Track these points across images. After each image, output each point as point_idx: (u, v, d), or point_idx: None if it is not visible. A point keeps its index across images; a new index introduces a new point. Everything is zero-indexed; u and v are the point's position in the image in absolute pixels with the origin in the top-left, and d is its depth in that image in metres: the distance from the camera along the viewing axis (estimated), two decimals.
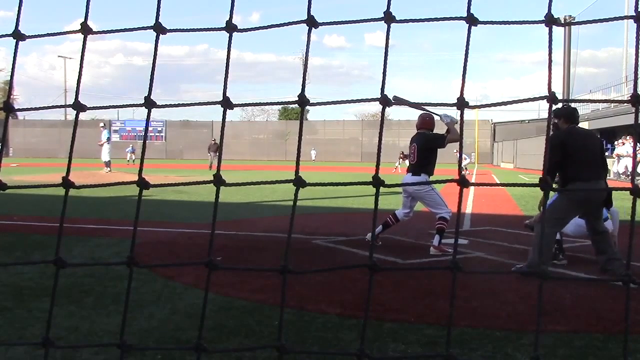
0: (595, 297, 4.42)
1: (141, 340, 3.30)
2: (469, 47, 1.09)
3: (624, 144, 24.57)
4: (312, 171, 28.56)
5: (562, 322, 3.77)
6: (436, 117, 6.56)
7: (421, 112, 6.65)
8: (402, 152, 29.64)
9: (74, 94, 1.21)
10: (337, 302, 4.13)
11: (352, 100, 1.18)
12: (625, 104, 1.10)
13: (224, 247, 6.29)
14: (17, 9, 1.20)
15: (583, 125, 30.00)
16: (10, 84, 1.40)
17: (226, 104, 1.17)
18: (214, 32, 1.20)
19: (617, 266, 5.01)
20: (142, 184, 1.20)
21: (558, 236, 5.67)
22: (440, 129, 6.19)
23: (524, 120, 52.45)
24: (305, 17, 1.14)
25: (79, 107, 1.21)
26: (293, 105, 1.62)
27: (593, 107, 31.77)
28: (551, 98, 1.06)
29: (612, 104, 30.13)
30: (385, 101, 1.11)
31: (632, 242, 1.09)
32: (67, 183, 1.19)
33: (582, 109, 32.56)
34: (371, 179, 1.12)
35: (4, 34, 1.23)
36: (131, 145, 43.00)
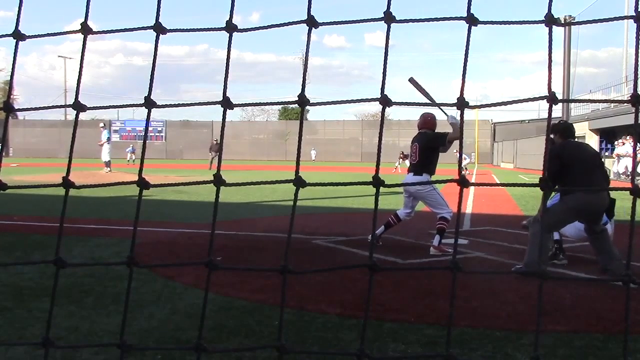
0: (595, 297, 4.42)
1: (141, 340, 3.30)
2: (469, 47, 1.09)
3: (624, 144, 24.56)
4: (312, 171, 28.55)
5: (562, 322, 3.77)
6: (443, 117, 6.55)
7: (423, 111, 6.67)
8: (402, 152, 29.63)
9: (74, 94, 1.21)
10: (337, 302, 4.13)
11: (352, 100, 1.18)
12: (625, 104, 1.10)
13: (224, 247, 6.29)
14: (17, 9, 1.20)
15: (583, 125, 30.13)
16: (10, 84, 1.40)
17: (226, 104, 1.17)
18: (214, 32, 1.20)
19: (617, 266, 5.03)
20: (142, 184, 1.20)
21: (558, 236, 5.68)
22: (440, 129, 6.20)
23: (524, 120, 52.43)
24: (305, 17, 1.14)
25: (79, 107, 1.21)
26: (293, 105, 1.62)
27: (593, 107, 31.75)
28: (551, 98, 1.06)
29: (612, 104, 30.11)
30: (385, 101, 1.11)
31: (632, 242, 1.09)
32: (67, 183, 1.19)
33: (582, 109, 32.58)
34: (371, 179, 1.12)
35: (4, 34, 1.23)
36: (131, 145, 43.00)
